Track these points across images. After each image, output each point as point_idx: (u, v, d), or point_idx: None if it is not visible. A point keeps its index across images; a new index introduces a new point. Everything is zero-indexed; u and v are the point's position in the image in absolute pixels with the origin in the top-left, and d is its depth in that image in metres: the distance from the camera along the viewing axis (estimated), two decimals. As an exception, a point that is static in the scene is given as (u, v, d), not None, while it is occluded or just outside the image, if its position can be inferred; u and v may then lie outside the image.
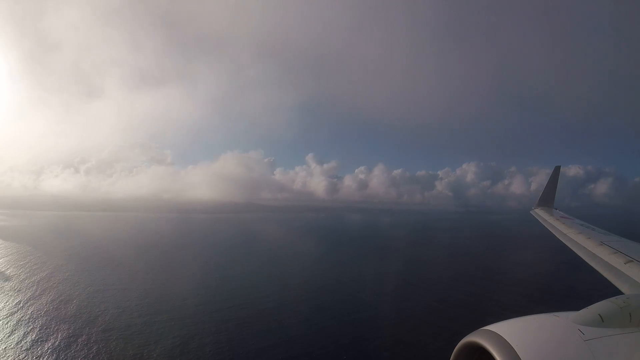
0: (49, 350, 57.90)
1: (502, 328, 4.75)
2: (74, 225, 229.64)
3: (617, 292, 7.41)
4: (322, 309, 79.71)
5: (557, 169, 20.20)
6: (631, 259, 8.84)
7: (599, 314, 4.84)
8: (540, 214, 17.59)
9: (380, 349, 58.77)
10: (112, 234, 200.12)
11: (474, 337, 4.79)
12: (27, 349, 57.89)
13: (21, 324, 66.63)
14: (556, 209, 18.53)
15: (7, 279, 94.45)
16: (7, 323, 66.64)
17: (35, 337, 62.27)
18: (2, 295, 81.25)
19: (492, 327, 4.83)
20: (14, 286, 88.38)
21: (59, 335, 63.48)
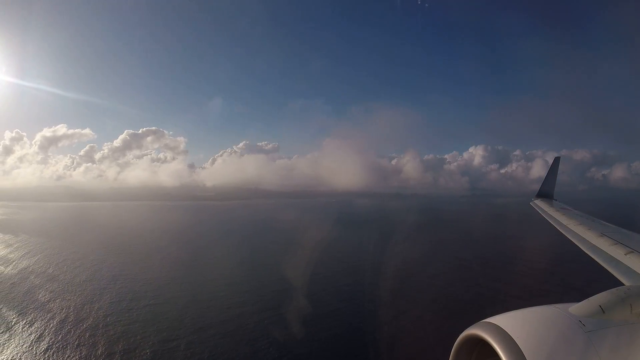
0: (154, 361, 47.71)
1: (503, 320, 4.66)
2: (93, 216, 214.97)
3: (617, 283, 7.15)
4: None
5: (556, 160, 19.87)
6: (632, 250, 8.68)
7: (600, 305, 4.75)
8: (540, 205, 17.25)
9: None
10: (139, 223, 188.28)
11: (475, 330, 4.69)
12: (128, 364, 47.46)
13: (98, 332, 55.73)
14: (556, 200, 18.17)
15: (52, 279, 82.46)
16: (84, 333, 55.49)
17: (126, 346, 51.80)
18: (58, 299, 69.63)
19: (493, 320, 4.73)
20: (65, 288, 76.61)
21: (154, 339, 53.30)
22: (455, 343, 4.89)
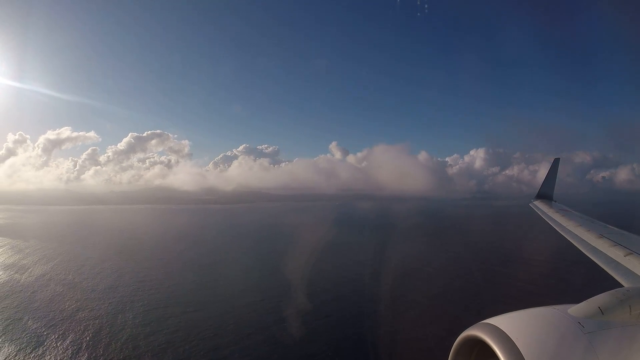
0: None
1: (502, 321, 4.58)
2: (100, 220, 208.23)
3: (617, 284, 7.16)
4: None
5: (556, 161, 19.67)
6: (631, 252, 8.61)
7: (599, 307, 4.71)
8: (540, 206, 16.91)
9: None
10: (149, 227, 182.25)
11: (474, 331, 4.60)
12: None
13: (141, 343, 51.63)
14: (555, 201, 17.80)
15: (74, 287, 77.30)
16: (127, 345, 51.24)
17: (176, 357, 48.15)
18: (87, 309, 64.86)
19: (492, 321, 4.65)
20: (91, 296, 71.85)
21: (204, 348, 50.13)
22: (454, 344, 4.77)
